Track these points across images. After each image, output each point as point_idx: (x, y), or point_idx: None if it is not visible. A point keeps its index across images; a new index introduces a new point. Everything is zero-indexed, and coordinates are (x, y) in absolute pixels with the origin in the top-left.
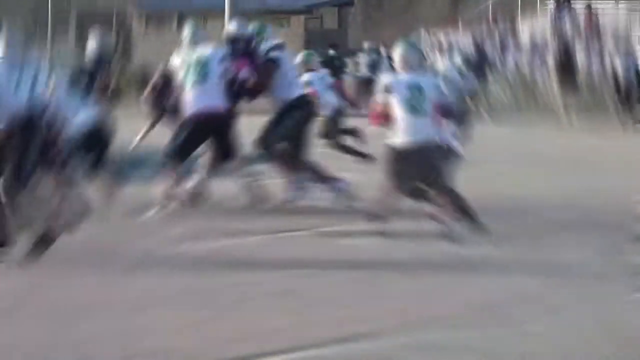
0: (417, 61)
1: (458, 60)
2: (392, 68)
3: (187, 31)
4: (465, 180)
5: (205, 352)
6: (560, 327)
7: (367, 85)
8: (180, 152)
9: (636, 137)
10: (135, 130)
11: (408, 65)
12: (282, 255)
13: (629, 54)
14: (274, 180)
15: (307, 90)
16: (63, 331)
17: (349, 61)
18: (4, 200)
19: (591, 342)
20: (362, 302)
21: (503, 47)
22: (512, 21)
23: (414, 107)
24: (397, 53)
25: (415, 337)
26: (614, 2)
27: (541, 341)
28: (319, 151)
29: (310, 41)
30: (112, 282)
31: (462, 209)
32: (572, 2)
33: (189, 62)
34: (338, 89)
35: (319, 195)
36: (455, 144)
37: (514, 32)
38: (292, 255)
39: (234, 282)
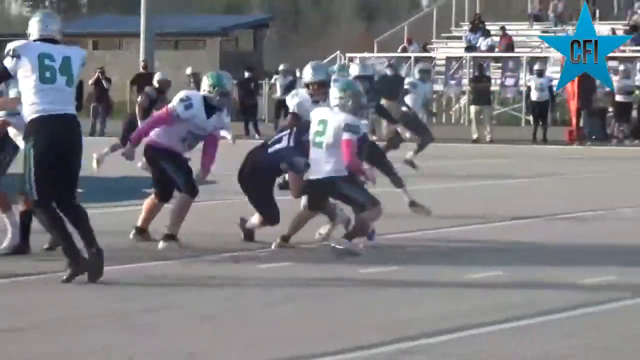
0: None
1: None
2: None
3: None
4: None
5: None
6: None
7: (282, 107)
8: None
9: (544, 150)
10: None
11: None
12: (203, 279)
13: (543, 74)
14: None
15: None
16: None
17: (264, 83)
18: None
19: None
20: (277, 325)
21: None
22: (427, 42)
23: (316, 142)
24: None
25: (336, 358)
26: (528, 24)
27: None
28: None
29: (226, 63)
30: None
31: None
32: (486, 23)
33: None
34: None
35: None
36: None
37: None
38: (212, 278)
39: (154, 305)
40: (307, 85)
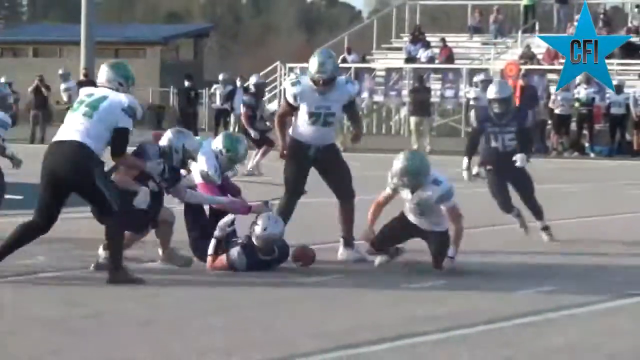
0: None
1: None
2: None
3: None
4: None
5: None
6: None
7: (222, 116)
8: None
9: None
10: None
11: None
12: (144, 286)
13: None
14: None
15: None
16: None
17: (204, 92)
18: None
19: None
20: (221, 331)
21: (357, 78)
22: (366, 53)
23: None
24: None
25: None
26: (468, 36)
27: None
28: None
29: (166, 72)
30: None
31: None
32: (426, 35)
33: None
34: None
35: None
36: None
37: (368, 63)
38: (153, 286)
39: (88, 312)
40: (312, 79)
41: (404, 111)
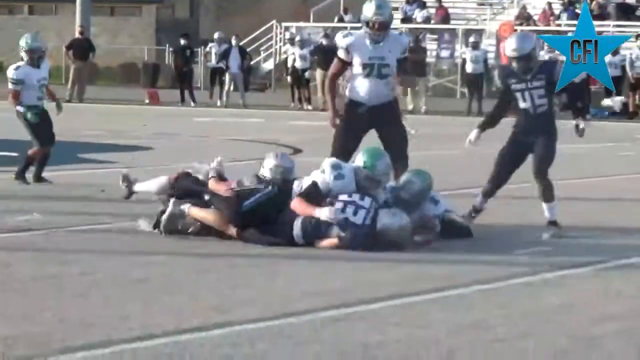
0: None
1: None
2: (242, 58)
3: None
4: None
5: (51, 339)
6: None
7: (217, 74)
8: None
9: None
10: None
11: None
12: (138, 246)
13: (478, 46)
14: None
15: None
16: None
17: (199, 51)
18: None
19: None
20: (216, 289)
21: None
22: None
23: None
24: None
25: (266, 324)
26: None
27: None
28: None
29: (162, 30)
30: None
31: None
32: None
33: None
34: None
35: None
36: None
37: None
38: (138, 245)
39: (82, 270)
40: (367, 23)
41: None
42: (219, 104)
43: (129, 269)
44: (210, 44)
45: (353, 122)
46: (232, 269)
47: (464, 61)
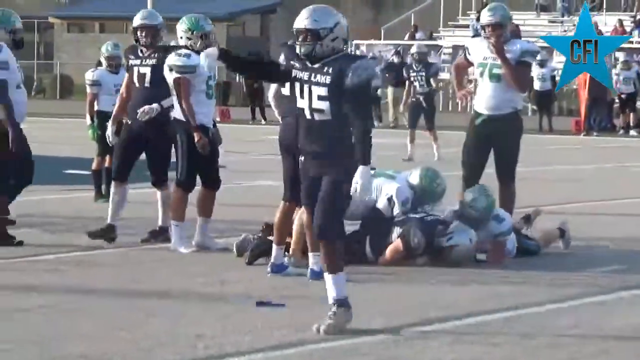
0: None
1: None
2: None
3: None
4: None
5: (126, 358)
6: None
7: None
8: None
9: (551, 140)
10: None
11: None
12: (203, 265)
13: (545, 64)
14: None
15: None
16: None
17: None
18: None
19: None
20: (290, 308)
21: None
22: (433, 30)
23: None
24: None
25: (340, 343)
26: (535, 13)
27: None
28: None
29: (233, 48)
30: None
31: None
32: None
33: None
34: None
35: None
36: None
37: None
38: (212, 264)
39: (156, 288)
40: (483, 28)
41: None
42: None
43: (203, 287)
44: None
45: (469, 133)
46: (306, 287)
47: (532, 79)
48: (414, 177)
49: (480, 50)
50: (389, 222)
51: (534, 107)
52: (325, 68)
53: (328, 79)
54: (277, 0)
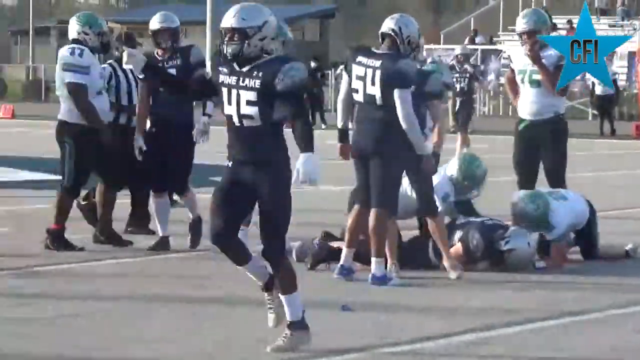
0: None
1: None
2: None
3: None
4: None
5: None
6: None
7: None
8: None
9: (612, 145)
10: None
11: None
12: None
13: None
14: None
15: None
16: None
17: (330, 73)
18: None
19: None
20: (352, 315)
21: (483, 60)
22: (493, 35)
23: None
24: None
25: (402, 348)
26: (595, 17)
27: None
28: None
29: (292, 53)
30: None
31: None
32: (553, 17)
33: None
34: None
35: None
36: None
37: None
38: None
39: (217, 293)
40: (519, 35)
41: None
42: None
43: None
44: (340, 66)
45: (515, 141)
46: (367, 293)
47: (593, 84)
48: (452, 167)
49: (520, 58)
50: (451, 226)
51: (595, 112)
52: (255, 72)
53: (257, 83)
54: (335, 4)
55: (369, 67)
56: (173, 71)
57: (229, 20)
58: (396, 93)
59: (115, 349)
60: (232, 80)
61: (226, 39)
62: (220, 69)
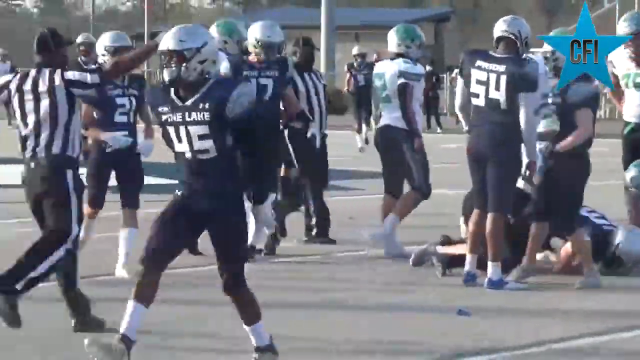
0: None
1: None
2: None
3: None
4: None
5: None
6: None
7: None
8: None
9: None
10: None
11: None
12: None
13: None
14: None
15: None
16: None
17: (445, 76)
18: None
19: None
20: (390, 330)
21: None
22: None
23: None
24: None
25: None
26: None
27: None
28: None
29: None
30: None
31: None
32: None
33: None
34: None
35: None
36: None
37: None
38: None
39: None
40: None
41: None
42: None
43: (380, 295)
44: (456, 70)
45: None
46: (483, 298)
47: None
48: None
49: (623, 62)
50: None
51: None
52: (201, 104)
53: (207, 116)
54: (450, 8)
55: (492, 72)
56: (269, 81)
57: (167, 42)
58: (523, 97)
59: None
60: (177, 117)
61: (164, 63)
62: (159, 109)
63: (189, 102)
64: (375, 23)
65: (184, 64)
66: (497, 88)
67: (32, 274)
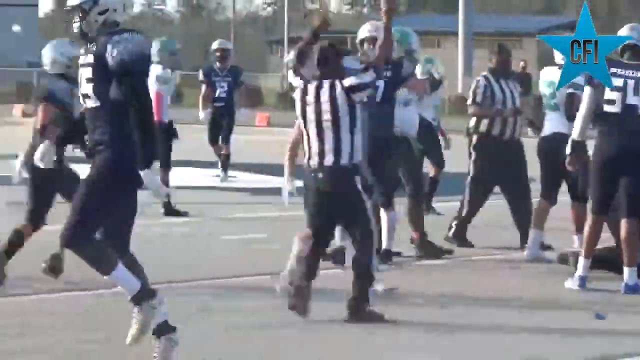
0: None
1: None
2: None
3: None
4: None
5: None
6: None
7: None
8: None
9: None
10: None
11: None
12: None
13: None
14: None
15: None
16: None
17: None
18: None
19: None
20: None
21: None
22: None
23: None
24: None
25: None
26: None
27: None
28: None
29: (546, 64)
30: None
31: None
32: None
33: None
34: None
35: None
36: None
37: None
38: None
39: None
40: None
41: None
42: None
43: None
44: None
45: None
46: (619, 302)
47: None
48: None
49: None
50: None
51: None
52: (92, 47)
53: (91, 58)
54: None
55: (630, 78)
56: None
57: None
58: None
59: None
60: (82, 60)
61: (68, 20)
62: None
63: (89, 45)
64: (511, 30)
65: (86, 18)
66: (636, 93)
67: None
